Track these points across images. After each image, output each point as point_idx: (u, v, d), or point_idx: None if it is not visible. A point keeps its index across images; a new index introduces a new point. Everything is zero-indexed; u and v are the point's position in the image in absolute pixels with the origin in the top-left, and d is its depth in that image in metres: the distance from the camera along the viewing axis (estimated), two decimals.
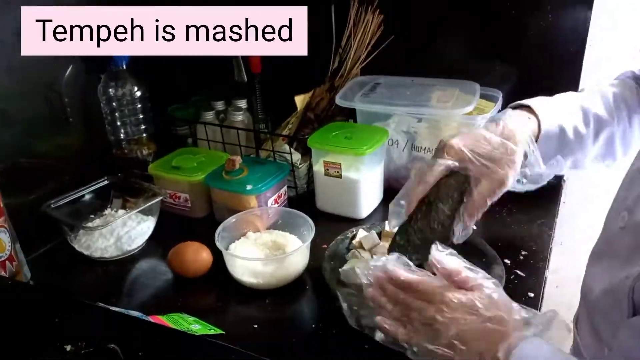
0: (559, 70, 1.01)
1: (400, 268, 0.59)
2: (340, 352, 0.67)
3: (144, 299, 0.81)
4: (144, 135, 1.07)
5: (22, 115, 0.91)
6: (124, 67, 1.02)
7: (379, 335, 0.60)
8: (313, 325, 0.73)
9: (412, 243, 0.68)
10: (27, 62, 0.89)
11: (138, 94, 1.04)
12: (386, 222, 0.86)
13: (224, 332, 0.70)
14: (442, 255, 0.57)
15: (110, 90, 1.02)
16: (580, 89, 0.83)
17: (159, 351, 0.46)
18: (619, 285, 0.54)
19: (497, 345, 0.49)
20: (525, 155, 0.65)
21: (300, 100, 1.08)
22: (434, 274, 0.58)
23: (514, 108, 0.71)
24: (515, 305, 0.54)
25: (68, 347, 0.47)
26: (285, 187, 1.01)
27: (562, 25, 0.98)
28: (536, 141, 0.67)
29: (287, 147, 1.03)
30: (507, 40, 1.04)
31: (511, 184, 0.64)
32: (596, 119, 0.71)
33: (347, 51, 1.12)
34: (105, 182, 0.98)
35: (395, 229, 0.71)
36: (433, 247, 0.58)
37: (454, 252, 0.59)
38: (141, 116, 1.06)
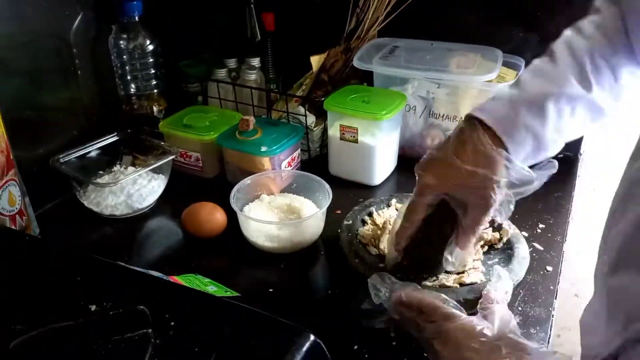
0: None
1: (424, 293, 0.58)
2: (355, 318, 0.67)
3: (156, 259, 0.80)
4: (155, 91, 1.04)
5: (29, 66, 0.88)
6: (137, 18, 0.98)
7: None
8: (329, 292, 0.73)
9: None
10: (34, 10, 0.86)
11: (150, 47, 1.00)
12: (394, 200, 0.86)
13: (239, 295, 0.69)
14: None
15: (121, 42, 0.98)
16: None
17: (186, 314, 0.45)
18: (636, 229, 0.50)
19: None
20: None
21: (316, 60, 1.04)
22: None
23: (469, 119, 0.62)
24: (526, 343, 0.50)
25: (93, 307, 0.46)
26: (298, 150, 0.99)
27: None
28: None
29: (302, 108, 1.00)
30: (529, 5, 1.01)
31: (496, 207, 0.60)
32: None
33: (365, 12, 1.08)
34: (115, 138, 0.96)
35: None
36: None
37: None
38: (153, 71, 1.02)
